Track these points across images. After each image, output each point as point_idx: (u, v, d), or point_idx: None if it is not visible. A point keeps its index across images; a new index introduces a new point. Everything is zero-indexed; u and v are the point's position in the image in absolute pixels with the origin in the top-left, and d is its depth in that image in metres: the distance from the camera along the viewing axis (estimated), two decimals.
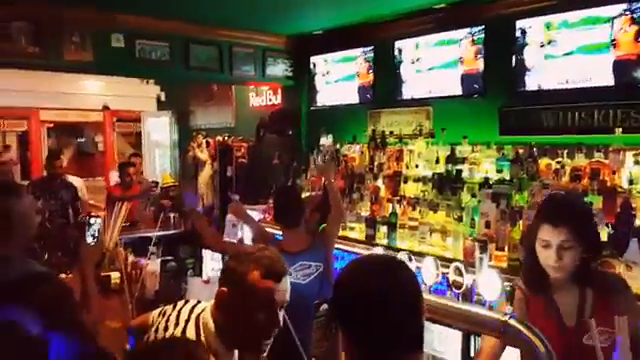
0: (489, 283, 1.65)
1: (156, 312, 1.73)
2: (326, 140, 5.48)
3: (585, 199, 3.08)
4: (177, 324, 1.61)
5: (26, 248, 2.16)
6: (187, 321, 1.61)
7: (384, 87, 5.08)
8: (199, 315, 1.62)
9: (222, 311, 1.57)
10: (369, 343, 1.14)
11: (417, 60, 4.78)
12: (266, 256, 1.57)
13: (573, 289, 1.84)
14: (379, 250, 1.98)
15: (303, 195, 4.48)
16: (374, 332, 1.13)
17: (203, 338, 1.56)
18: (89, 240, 2.61)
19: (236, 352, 1.62)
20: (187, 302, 1.72)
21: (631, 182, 3.14)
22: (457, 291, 1.75)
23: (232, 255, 1.64)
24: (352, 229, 4.11)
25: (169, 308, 1.70)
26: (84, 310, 2.04)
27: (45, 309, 1.56)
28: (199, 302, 1.71)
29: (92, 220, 2.72)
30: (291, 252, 2.79)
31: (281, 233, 3.03)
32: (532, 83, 3.96)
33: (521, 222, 3.12)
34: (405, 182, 4.19)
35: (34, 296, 1.72)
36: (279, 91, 6.61)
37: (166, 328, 1.61)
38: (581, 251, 1.79)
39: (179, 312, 1.66)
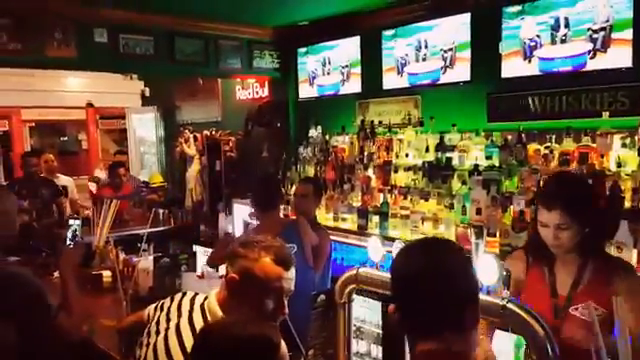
0: (487, 268, 1.65)
1: (152, 307, 1.74)
2: (315, 132, 5.47)
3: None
4: (180, 315, 1.61)
5: (7, 248, 2.13)
6: (191, 311, 1.61)
7: (372, 77, 5.07)
8: (202, 304, 1.62)
9: (232, 298, 1.57)
10: (408, 324, 1.18)
11: (404, 49, 4.78)
12: (275, 245, 1.60)
13: (575, 261, 1.90)
14: (374, 239, 1.98)
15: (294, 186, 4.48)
16: (411, 313, 1.17)
17: None
18: (68, 241, 2.59)
19: None
20: (185, 294, 1.72)
21: (619, 165, 3.17)
22: None
23: (240, 242, 1.64)
24: (344, 220, 4.11)
25: (167, 301, 1.70)
26: (65, 312, 2.02)
27: (17, 311, 1.54)
28: (197, 294, 1.71)
29: (71, 221, 2.70)
30: None
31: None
32: (519, 69, 3.98)
33: (512, 208, 3.14)
34: (395, 171, 4.20)
35: (5, 298, 1.70)
36: (266, 83, 6.55)
37: (168, 320, 1.61)
38: (579, 229, 1.83)
39: (179, 304, 1.66)
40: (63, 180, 5.75)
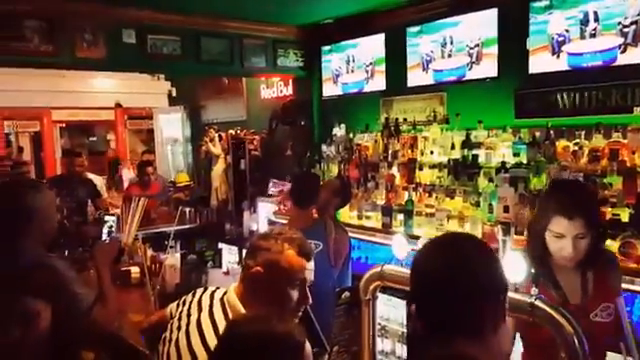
0: (514, 265, 1.63)
1: (173, 304, 1.75)
2: (339, 130, 5.47)
3: (604, 180, 3.05)
4: (200, 310, 1.62)
5: (46, 242, 2.18)
6: (211, 305, 1.62)
7: (396, 74, 5.04)
8: (222, 298, 1.63)
9: (254, 291, 1.58)
10: (424, 323, 1.11)
11: (429, 45, 4.74)
12: (295, 237, 1.61)
13: (575, 269, 1.85)
14: (398, 237, 1.97)
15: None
16: (426, 310, 1.11)
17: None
18: (104, 237, 2.63)
19: None
20: (205, 289, 1.74)
21: None
22: None
23: (259, 236, 1.65)
24: (368, 218, 4.10)
25: (188, 296, 1.72)
26: (101, 305, 2.06)
27: (41, 295, 1.58)
28: (217, 288, 1.73)
29: (106, 217, 2.75)
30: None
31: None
32: (547, 64, 3.91)
33: None
34: (420, 169, 4.17)
35: (31, 283, 1.75)
36: (290, 82, 6.59)
37: (189, 315, 1.63)
38: (593, 236, 1.78)
39: (200, 299, 1.67)
40: (90, 178, 5.85)
